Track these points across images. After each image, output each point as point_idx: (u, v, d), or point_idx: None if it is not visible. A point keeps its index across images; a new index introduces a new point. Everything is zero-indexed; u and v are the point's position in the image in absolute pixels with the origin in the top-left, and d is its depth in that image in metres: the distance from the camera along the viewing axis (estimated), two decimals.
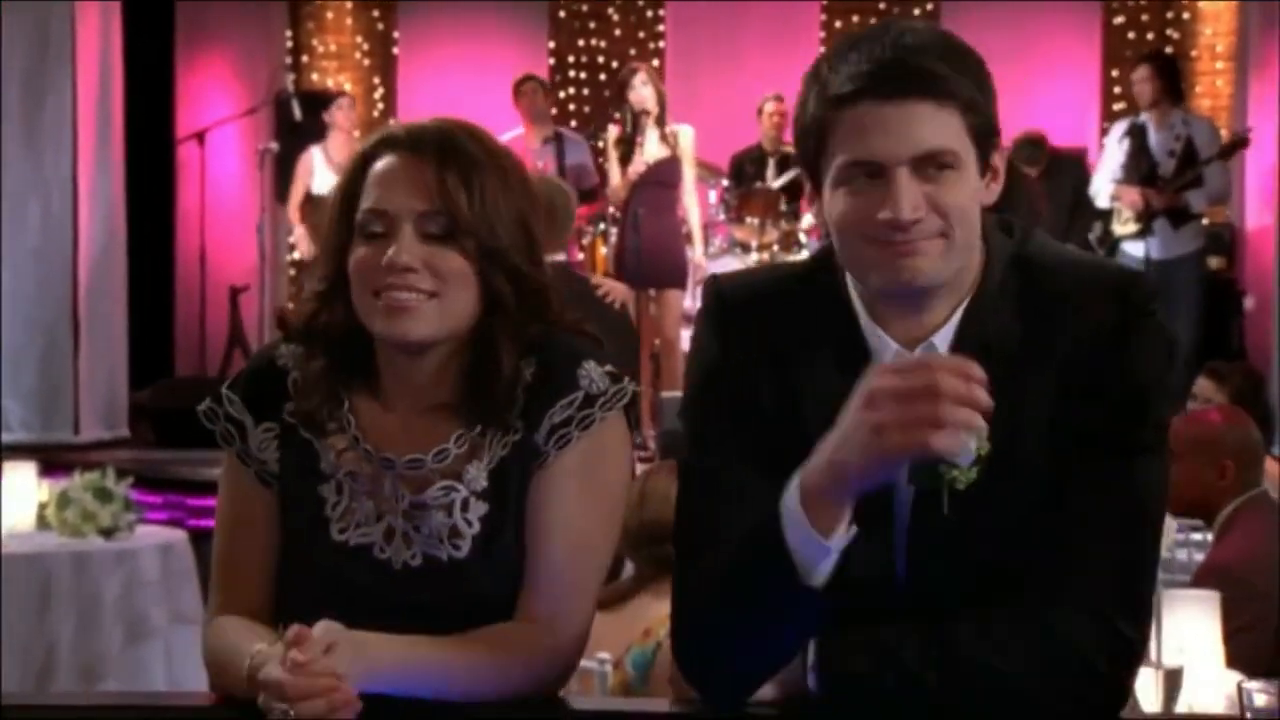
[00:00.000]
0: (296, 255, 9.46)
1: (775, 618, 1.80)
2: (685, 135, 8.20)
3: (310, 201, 9.11)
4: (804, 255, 9.61)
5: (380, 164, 2.00)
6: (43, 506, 5.14)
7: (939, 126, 1.80)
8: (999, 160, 1.88)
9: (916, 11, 11.18)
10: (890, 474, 1.74)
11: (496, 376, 2.00)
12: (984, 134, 1.84)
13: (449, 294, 1.97)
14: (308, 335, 2.05)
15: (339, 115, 9.23)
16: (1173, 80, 8.66)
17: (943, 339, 1.88)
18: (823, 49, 10.78)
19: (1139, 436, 1.85)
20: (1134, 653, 1.83)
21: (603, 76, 11.13)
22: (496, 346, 2.00)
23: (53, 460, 6.39)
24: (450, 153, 1.99)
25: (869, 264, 1.84)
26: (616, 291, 6.76)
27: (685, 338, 8.76)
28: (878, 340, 1.90)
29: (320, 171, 9.16)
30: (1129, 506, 1.84)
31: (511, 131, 9.04)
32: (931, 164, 1.81)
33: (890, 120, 1.79)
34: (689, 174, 8.24)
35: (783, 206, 9.52)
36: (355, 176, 2.02)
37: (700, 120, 8.45)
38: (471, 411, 2.01)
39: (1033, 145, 9.19)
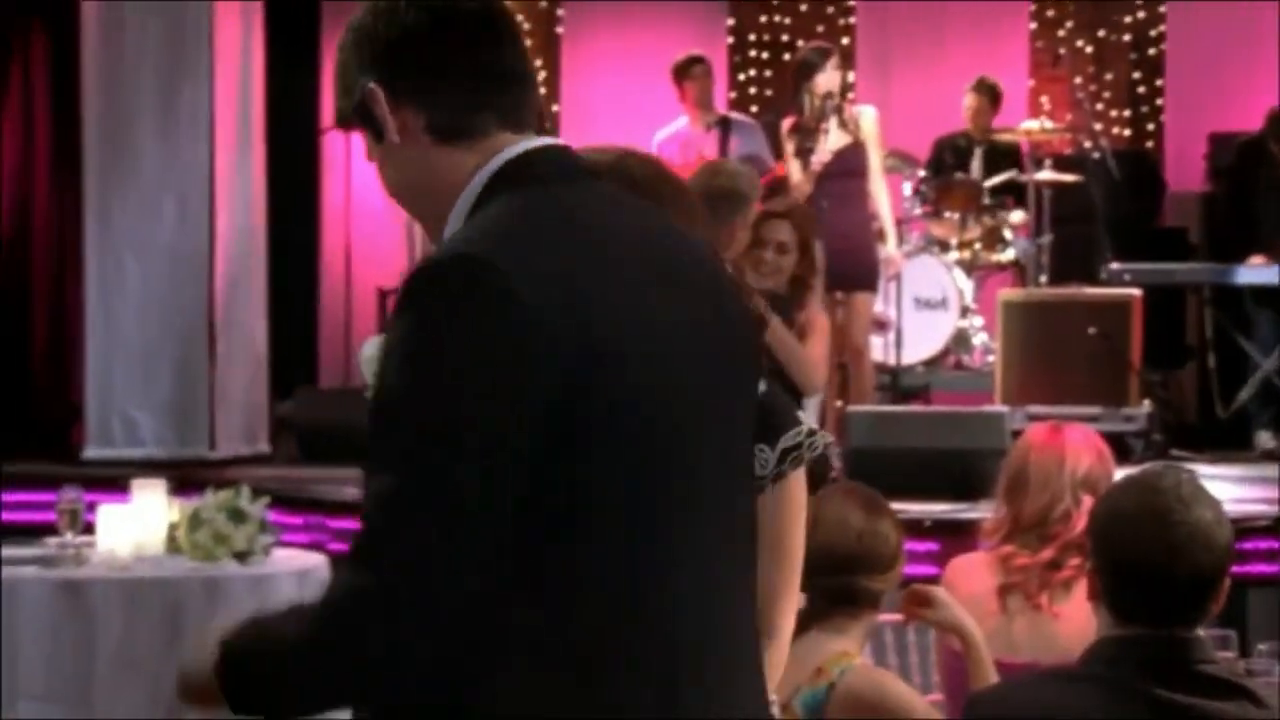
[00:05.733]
0: None
1: None
2: (867, 117, 8.01)
3: None
4: (1009, 254, 9.44)
5: None
6: (173, 528, 5.18)
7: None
8: (387, 117, 1.97)
9: None
10: None
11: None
12: (360, 108, 1.99)
13: None
14: None
15: None
16: None
17: None
18: (1033, 25, 10.44)
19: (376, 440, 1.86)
20: (371, 596, 1.81)
21: (786, 57, 10.98)
22: None
23: (187, 478, 6.43)
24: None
25: None
26: None
27: (876, 345, 8.59)
28: None
29: None
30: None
31: (670, 125, 8.88)
32: None
33: None
34: (875, 160, 8.03)
35: (986, 200, 9.27)
36: None
37: (894, 105, 8.28)
38: None
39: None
